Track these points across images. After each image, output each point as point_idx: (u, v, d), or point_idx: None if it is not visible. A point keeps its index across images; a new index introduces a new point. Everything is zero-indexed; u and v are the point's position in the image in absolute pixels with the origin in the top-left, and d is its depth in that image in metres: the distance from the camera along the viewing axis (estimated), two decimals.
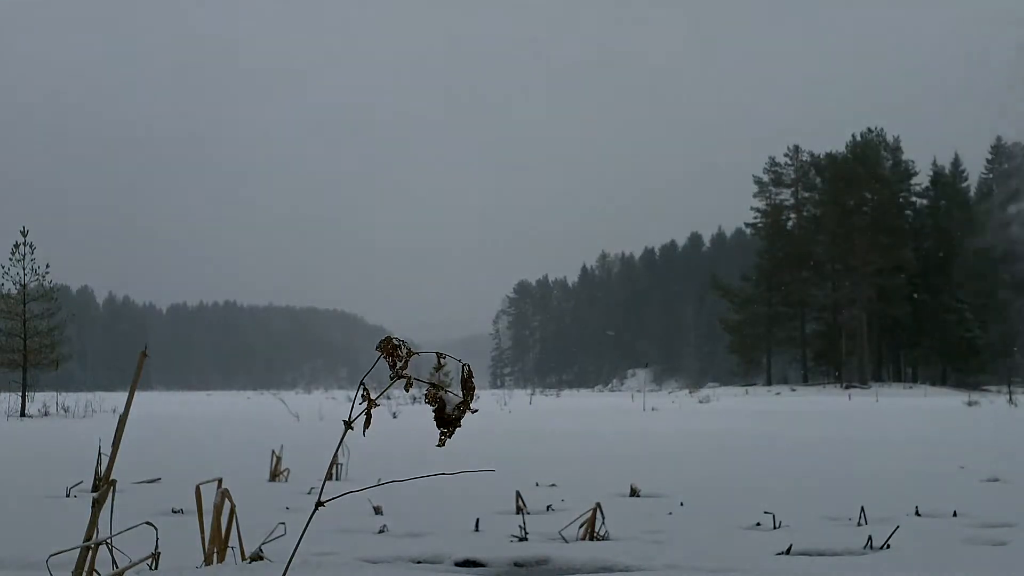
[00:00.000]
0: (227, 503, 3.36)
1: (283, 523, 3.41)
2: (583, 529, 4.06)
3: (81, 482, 5.63)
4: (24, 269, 27.84)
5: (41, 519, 4.65)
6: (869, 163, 76.41)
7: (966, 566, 3.43)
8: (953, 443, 10.54)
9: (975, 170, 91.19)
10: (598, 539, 4.02)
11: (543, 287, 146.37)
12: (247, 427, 15.12)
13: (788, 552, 3.70)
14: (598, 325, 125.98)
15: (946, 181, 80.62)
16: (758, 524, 4.44)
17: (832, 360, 74.68)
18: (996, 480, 6.42)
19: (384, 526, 4.28)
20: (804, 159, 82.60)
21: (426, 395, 1.74)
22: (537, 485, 6.00)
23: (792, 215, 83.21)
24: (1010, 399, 30.69)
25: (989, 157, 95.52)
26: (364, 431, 1.89)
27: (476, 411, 1.75)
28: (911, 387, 64.89)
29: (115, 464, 2.77)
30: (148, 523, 3.11)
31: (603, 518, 4.09)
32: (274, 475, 6.44)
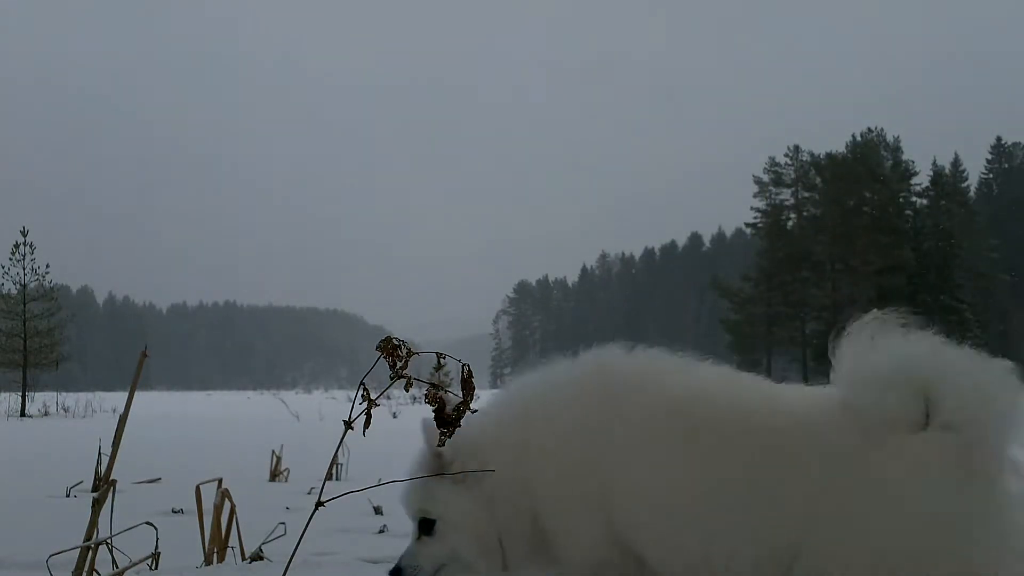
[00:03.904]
0: (227, 503, 3.36)
1: (283, 523, 3.41)
2: None
3: (81, 482, 5.62)
4: (24, 269, 27.88)
5: (41, 519, 4.65)
6: (869, 163, 76.39)
7: None
8: None
9: (975, 170, 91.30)
10: None
11: (543, 287, 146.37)
12: (247, 427, 15.12)
13: None
14: (598, 325, 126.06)
15: (946, 181, 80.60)
16: None
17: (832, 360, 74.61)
18: None
19: (384, 526, 4.29)
20: (804, 159, 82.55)
21: (426, 395, 1.74)
22: None
23: (792, 215, 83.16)
24: None
25: (989, 157, 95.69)
26: (364, 431, 1.89)
27: (476, 411, 1.75)
28: None
29: (115, 464, 2.77)
30: (148, 523, 3.11)
31: None
32: (274, 475, 6.44)
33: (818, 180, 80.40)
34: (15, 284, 27.68)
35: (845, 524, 2.19)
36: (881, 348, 2.32)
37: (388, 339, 1.74)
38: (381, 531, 4.22)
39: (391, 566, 2.46)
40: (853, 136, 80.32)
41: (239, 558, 3.42)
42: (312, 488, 5.80)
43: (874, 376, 2.26)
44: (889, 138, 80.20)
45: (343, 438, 1.85)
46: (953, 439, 2.16)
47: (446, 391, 1.75)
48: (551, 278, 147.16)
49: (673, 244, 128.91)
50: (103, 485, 2.80)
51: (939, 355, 2.33)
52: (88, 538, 2.78)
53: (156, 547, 3.22)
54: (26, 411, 23.53)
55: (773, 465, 2.29)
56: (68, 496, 5.47)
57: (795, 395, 2.50)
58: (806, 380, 79.50)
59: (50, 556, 2.82)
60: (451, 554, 2.46)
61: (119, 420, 2.80)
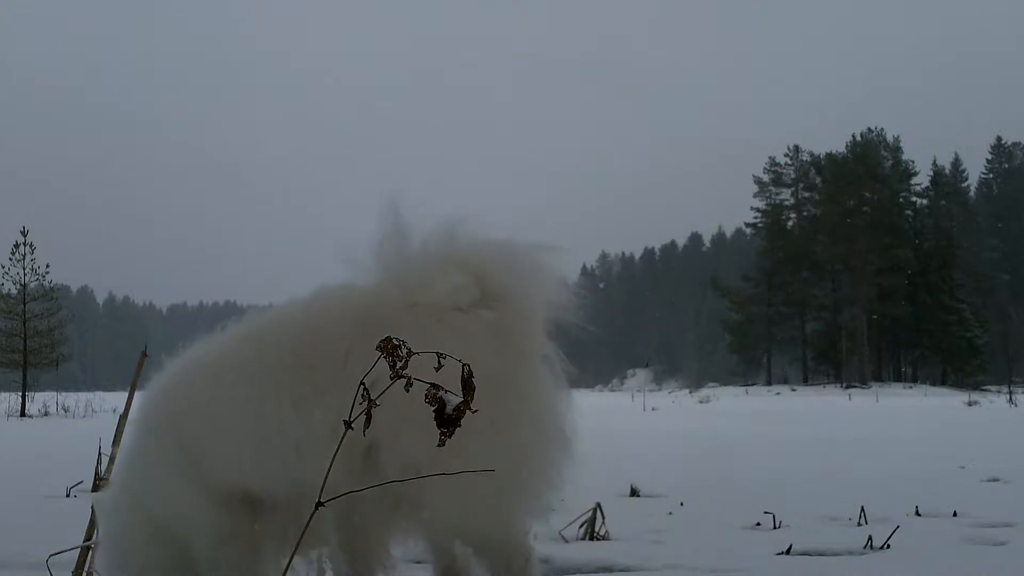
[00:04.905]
0: None
1: None
2: (583, 529, 4.06)
3: (81, 482, 5.62)
4: (24, 269, 27.86)
5: (41, 519, 4.65)
6: (869, 163, 76.47)
7: (966, 566, 3.43)
8: (953, 443, 10.53)
9: (975, 170, 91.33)
10: (598, 539, 4.02)
11: None
12: None
13: (788, 552, 3.70)
14: (597, 325, 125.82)
15: (946, 181, 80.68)
16: (758, 524, 4.44)
17: (832, 360, 74.69)
18: (996, 480, 6.42)
19: None
20: (804, 159, 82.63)
21: (426, 395, 1.74)
22: None
23: (792, 215, 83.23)
24: (1010, 399, 30.69)
25: (989, 157, 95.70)
26: (364, 431, 1.88)
27: (476, 411, 1.75)
28: (911, 387, 64.86)
29: (115, 464, 2.76)
30: None
31: (603, 518, 4.09)
32: None
33: (818, 180, 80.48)
34: (15, 284, 27.70)
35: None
36: (441, 235, 2.56)
37: (388, 339, 1.74)
38: None
39: None
40: (853, 136, 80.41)
41: None
42: None
43: (428, 258, 2.52)
44: (889, 138, 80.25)
45: (343, 438, 1.85)
46: (492, 316, 2.48)
47: (446, 391, 1.75)
48: None
49: (673, 244, 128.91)
50: (103, 485, 2.80)
51: (486, 243, 2.59)
52: (88, 538, 2.78)
53: None
54: (26, 411, 23.52)
55: (330, 363, 2.40)
56: (68, 496, 5.46)
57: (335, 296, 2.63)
58: (806, 380, 79.52)
59: (50, 556, 2.82)
60: None
61: (119, 420, 2.80)
